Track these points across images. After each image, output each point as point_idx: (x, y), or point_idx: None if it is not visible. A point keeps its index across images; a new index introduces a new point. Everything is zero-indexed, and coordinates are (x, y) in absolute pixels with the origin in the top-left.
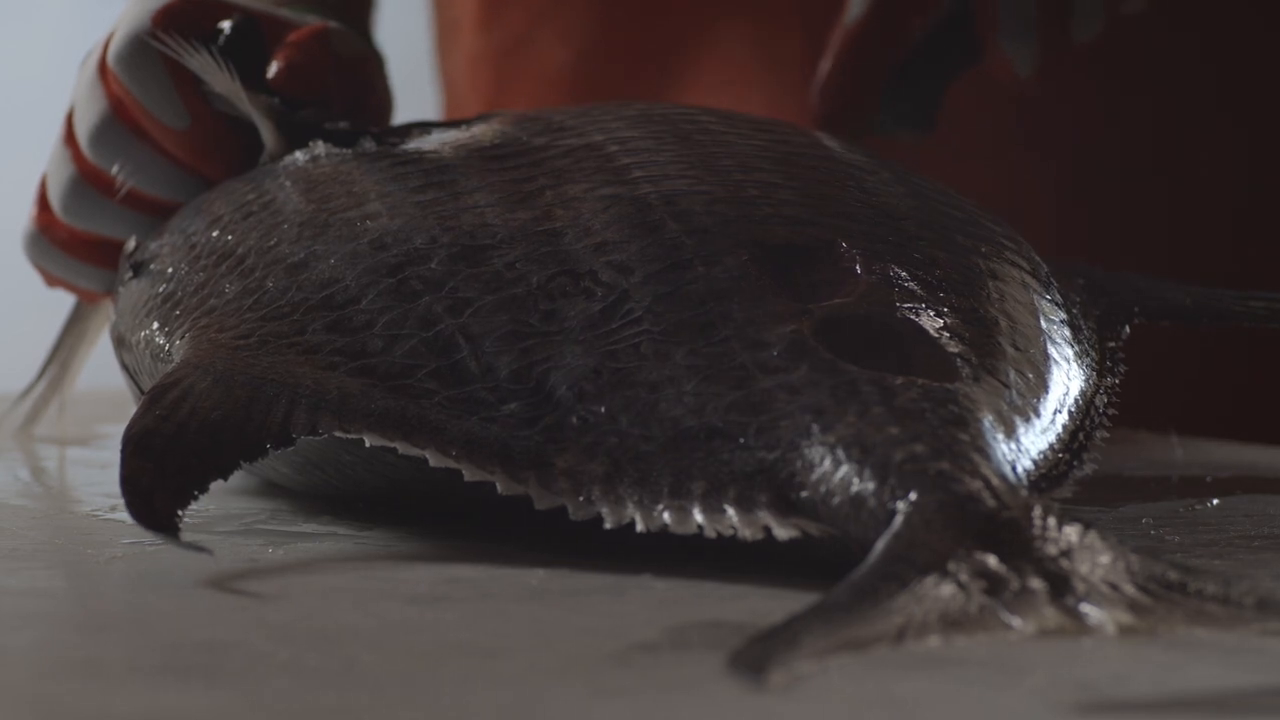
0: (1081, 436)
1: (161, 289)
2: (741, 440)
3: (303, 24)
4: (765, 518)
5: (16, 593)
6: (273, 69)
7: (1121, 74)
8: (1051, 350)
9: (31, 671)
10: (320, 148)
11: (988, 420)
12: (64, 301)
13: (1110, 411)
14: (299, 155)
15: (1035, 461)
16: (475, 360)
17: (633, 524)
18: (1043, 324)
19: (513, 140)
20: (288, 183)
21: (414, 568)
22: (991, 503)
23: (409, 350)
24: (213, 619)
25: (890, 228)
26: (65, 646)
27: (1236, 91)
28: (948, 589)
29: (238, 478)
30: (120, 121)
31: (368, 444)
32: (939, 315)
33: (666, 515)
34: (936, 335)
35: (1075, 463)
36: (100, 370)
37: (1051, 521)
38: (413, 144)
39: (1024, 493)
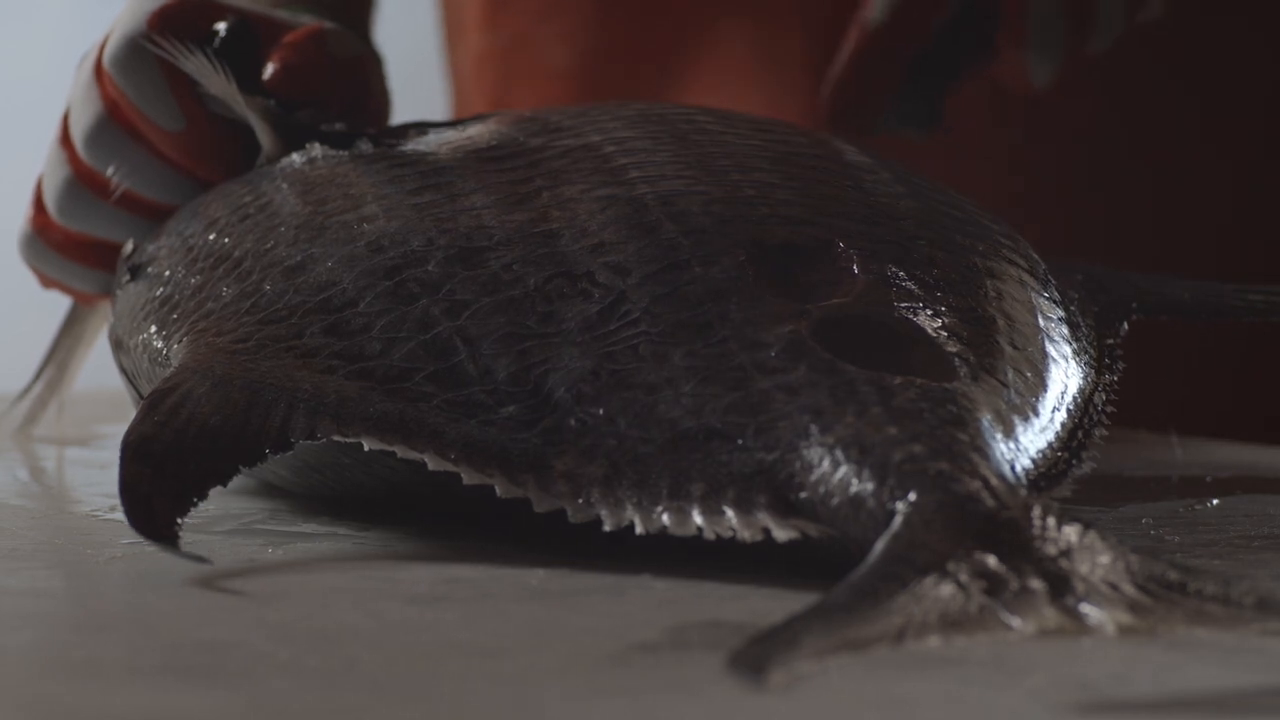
0: (1080, 435)
1: (159, 292)
2: (740, 441)
3: (298, 25)
4: (764, 519)
5: (16, 593)
6: (268, 71)
7: (1123, 73)
8: (1050, 348)
9: (31, 671)
10: (317, 150)
11: (986, 420)
12: (62, 302)
13: (1109, 409)
14: (295, 157)
15: (1034, 460)
16: (473, 363)
17: (632, 525)
18: (1041, 322)
19: (509, 141)
20: (284, 185)
21: (414, 568)
22: (991, 503)
23: (407, 353)
24: (213, 619)
25: (888, 227)
26: (64, 646)
27: (1239, 91)
28: (947, 589)
29: (237, 479)
30: (115, 123)
31: (366, 448)
32: (937, 315)
33: (665, 517)
34: (935, 335)
35: (1074, 461)
36: (99, 371)
37: (1051, 521)
38: (410, 145)
39: (1023, 492)
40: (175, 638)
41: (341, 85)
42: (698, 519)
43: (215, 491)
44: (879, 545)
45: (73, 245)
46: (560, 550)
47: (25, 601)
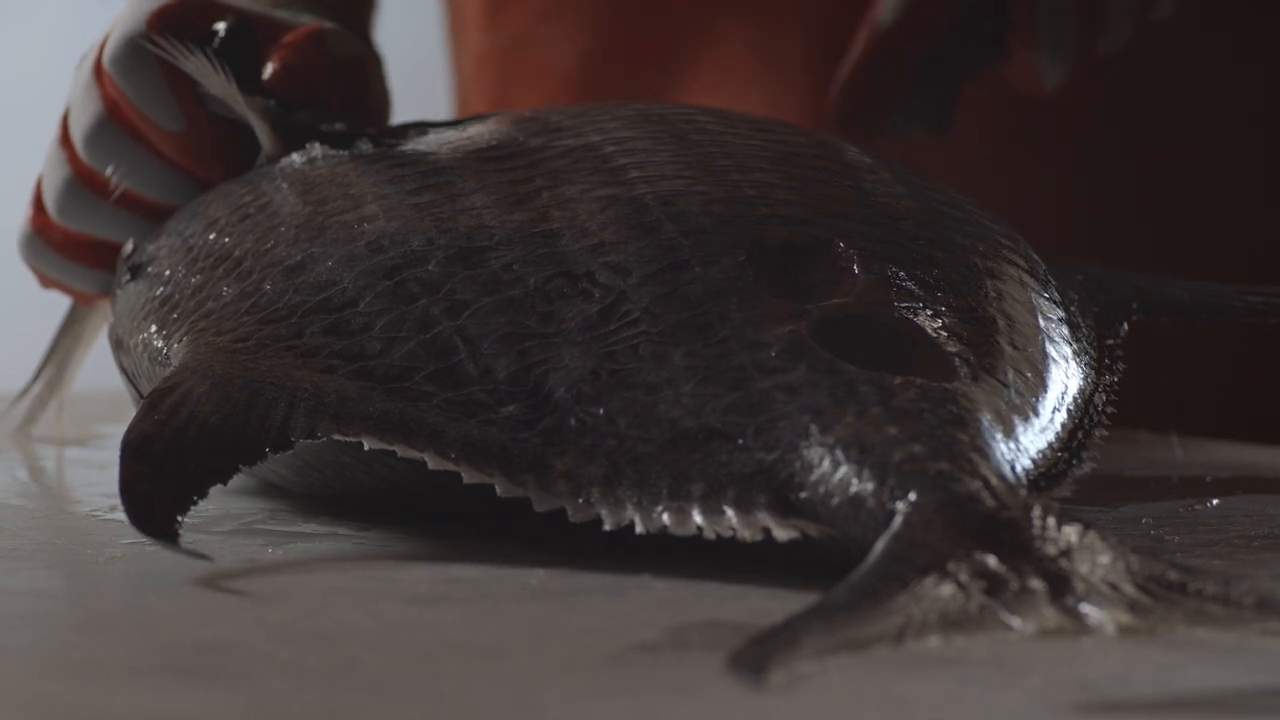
0: (1080, 435)
1: (159, 292)
2: (740, 441)
3: (298, 25)
4: (764, 519)
5: (16, 593)
6: (268, 71)
7: (1127, 73)
8: (1050, 348)
9: (31, 671)
10: (317, 150)
11: (986, 420)
12: (62, 302)
13: (1109, 410)
14: (295, 157)
15: (1034, 460)
16: (473, 362)
17: (632, 525)
18: (1041, 322)
19: (509, 141)
20: (284, 185)
21: (414, 568)
22: (991, 503)
23: (407, 352)
24: (213, 619)
25: (888, 227)
26: (64, 646)
27: (1243, 90)
28: (947, 589)
29: (237, 478)
30: (115, 123)
31: (366, 447)
32: (937, 315)
33: (666, 517)
34: (935, 335)
35: (1074, 461)
36: (98, 370)
37: (1051, 521)
38: (409, 145)
39: (1023, 492)
40: (175, 638)
41: (341, 85)
42: (698, 519)
43: (215, 491)
44: (879, 545)
45: (72, 245)
46: (560, 550)
47: (25, 601)
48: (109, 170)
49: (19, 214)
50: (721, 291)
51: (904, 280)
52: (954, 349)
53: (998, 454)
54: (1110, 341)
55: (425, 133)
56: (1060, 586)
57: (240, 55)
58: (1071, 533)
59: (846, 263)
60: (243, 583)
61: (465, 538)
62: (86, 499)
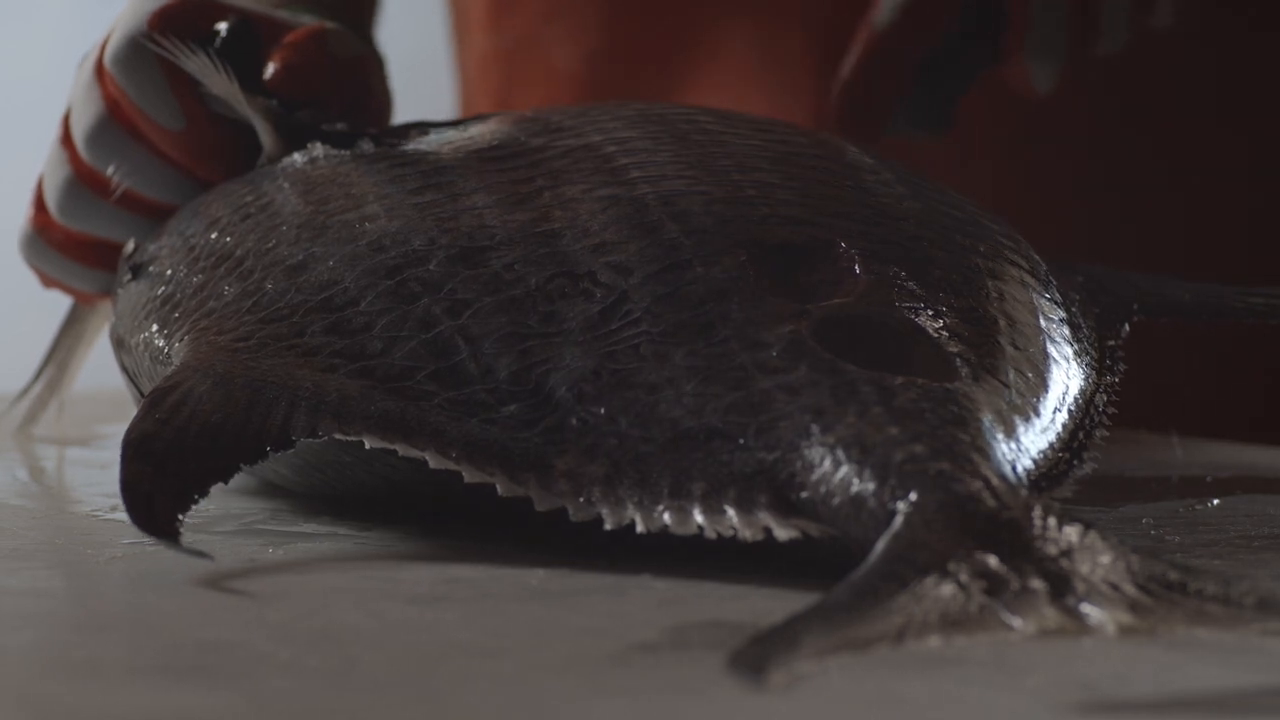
0: (1081, 435)
1: (160, 291)
2: (741, 441)
3: (299, 25)
4: (765, 518)
5: (16, 593)
6: (269, 70)
7: (1129, 73)
8: (1051, 349)
9: (31, 671)
10: (318, 149)
11: (987, 420)
12: (62, 302)
13: (1110, 410)
14: (297, 157)
15: (1035, 461)
16: (475, 362)
17: (633, 525)
18: (1042, 323)
19: (511, 141)
20: (286, 184)
21: (414, 568)
22: (992, 503)
23: (408, 352)
24: (213, 619)
25: (889, 227)
26: (65, 646)
27: (1246, 90)
28: (948, 589)
29: (238, 478)
30: (116, 123)
31: (367, 446)
32: (938, 315)
33: (666, 516)
34: (935, 335)
35: (1075, 462)
36: (99, 370)
37: (1052, 521)
38: (411, 145)
39: (1024, 492)
40: (175, 638)
41: (342, 85)
42: (699, 518)
43: (216, 491)
44: (880, 545)
45: (73, 245)
46: (560, 550)
47: (25, 601)
48: (110, 170)
49: (20, 214)
50: (722, 291)
51: (905, 280)
52: (955, 349)
53: (999, 454)
54: (1111, 342)
55: (426, 133)
56: (1061, 586)
57: (242, 55)
58: (1072, 533)
59: (847, 263)
60: (243, 583)
61: (465, 538)
62: (87, 499)
